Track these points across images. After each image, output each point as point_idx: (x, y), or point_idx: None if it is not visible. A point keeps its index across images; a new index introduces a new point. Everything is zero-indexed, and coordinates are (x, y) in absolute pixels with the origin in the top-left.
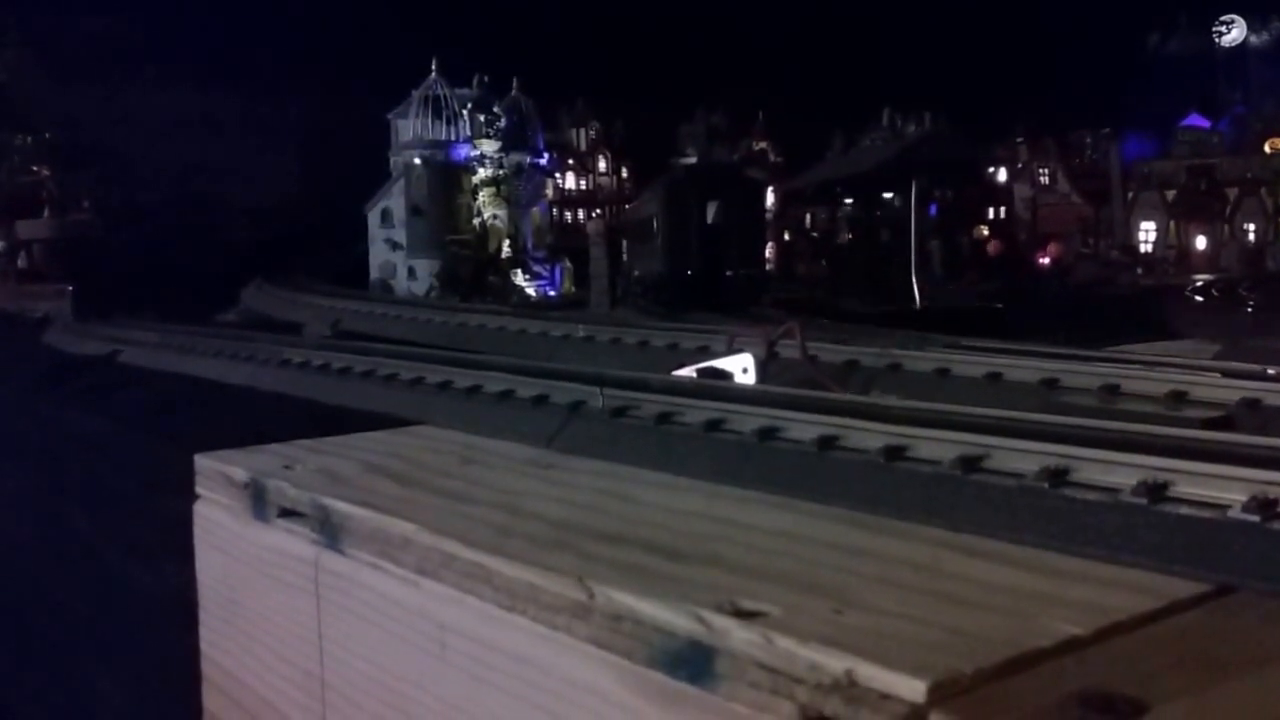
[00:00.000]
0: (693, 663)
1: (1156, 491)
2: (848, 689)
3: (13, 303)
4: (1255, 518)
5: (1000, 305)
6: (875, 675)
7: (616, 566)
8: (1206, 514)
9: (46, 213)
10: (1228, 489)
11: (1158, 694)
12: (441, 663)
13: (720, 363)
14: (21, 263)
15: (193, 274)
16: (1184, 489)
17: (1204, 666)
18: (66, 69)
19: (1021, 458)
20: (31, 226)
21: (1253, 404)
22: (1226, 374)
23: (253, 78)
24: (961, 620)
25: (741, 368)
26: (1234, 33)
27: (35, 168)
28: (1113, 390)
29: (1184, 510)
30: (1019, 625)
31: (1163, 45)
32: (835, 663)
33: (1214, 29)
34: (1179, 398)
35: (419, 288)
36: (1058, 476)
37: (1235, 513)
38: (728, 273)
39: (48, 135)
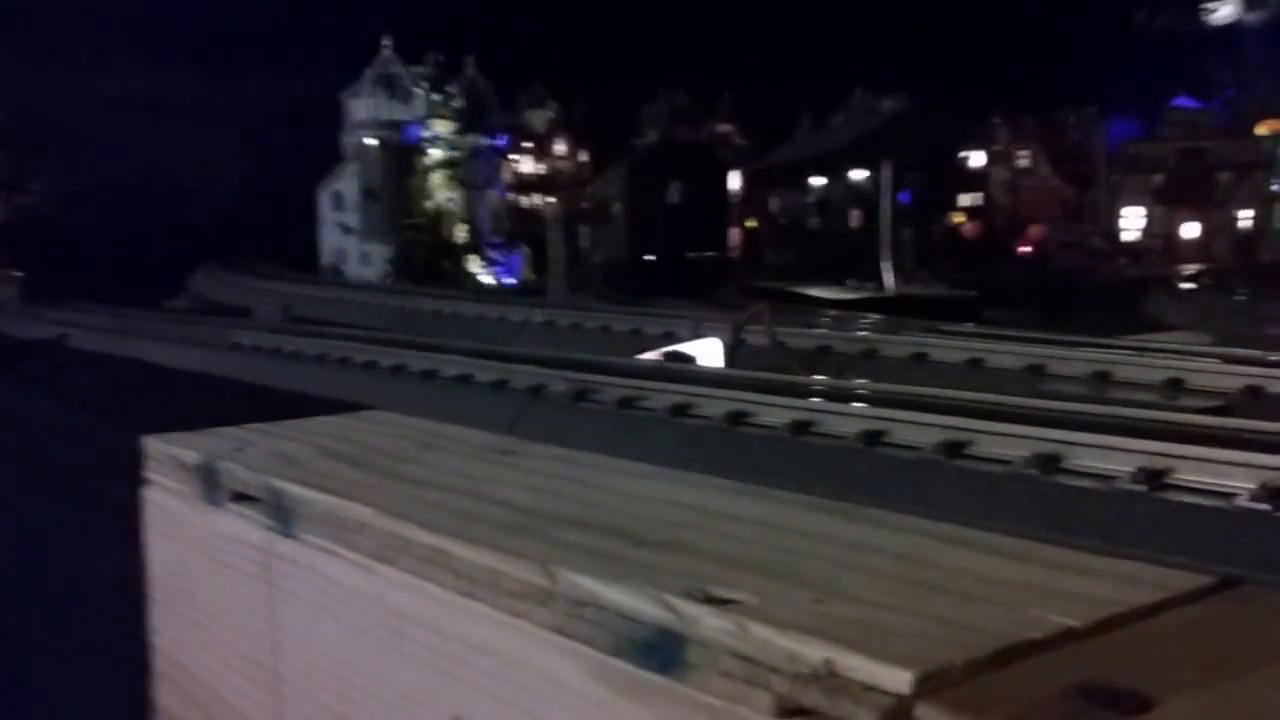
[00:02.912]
0: (662, 651)
1: (1156, 478)
2: (828, 679)
3: None
4: (1265, 506)
5: (975, 294)
6: (858, 665)
7: (580, 551)
8: (1211, 502)
9: None
10: (1234, 476)
11: (1160, 689)
12: (398, 652)
13: (686, 348)
14: None
15: (143, 258)
16: (1187, 476)
17: (1207, 663)
18: (12, 50)
19: (1010, 443)
20: None
21: (1255, 391)
22: (1228, 359)
23: (203, 56)
24: (949, 610)
25: (708, 353)
26: (1226, 9)
27: None
28: (1103, 377)
29: (1186, 498)
30: (1010, 616)
31: (1151, 21)
32: (815, 652)
33: (1205, 4)
34: (1176, 385)
35: (372, 273)
36: (1050, 463)
37: (1243, 501)
38: (689, 255)
39: None
